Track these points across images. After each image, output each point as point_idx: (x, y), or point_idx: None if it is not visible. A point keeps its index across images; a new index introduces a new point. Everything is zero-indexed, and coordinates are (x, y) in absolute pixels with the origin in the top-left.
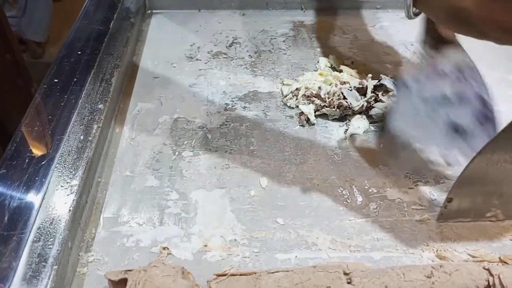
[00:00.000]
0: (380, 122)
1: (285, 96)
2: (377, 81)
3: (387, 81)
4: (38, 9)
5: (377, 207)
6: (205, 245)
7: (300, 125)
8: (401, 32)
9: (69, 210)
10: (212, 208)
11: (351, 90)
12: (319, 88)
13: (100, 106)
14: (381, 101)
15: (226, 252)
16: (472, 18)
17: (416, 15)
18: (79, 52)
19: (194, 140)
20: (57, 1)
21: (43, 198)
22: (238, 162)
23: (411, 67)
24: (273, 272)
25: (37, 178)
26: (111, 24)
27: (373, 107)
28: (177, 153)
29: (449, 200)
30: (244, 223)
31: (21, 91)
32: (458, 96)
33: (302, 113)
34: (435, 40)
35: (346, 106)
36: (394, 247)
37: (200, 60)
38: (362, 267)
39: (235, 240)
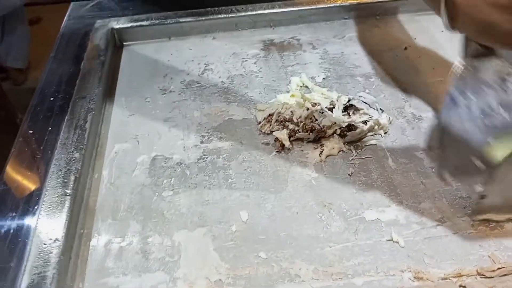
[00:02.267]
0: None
1: (259, 123)
2: (346, 101)
3: (355, 101)
4: (16, 35)
5: (356, 229)
6: None
7: (276, 151)
8: (370, 40)
9: (54, 270)
10: (196, 249)
11: (322, 112)
12: (292, 112)
13: (76, 155)
14: (354, 128)
15: None
16: (501, 32)
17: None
18: (51, 98)
19: (173, 178)
20: (34, 24)
21: (26, 261)
22: (217, 197)
23: (455, 79)
24: None
25: (18, 239)
26: (82, 64)
27: (347, 135)
28: (157, 193)
29: (482, 197)
30: (228, 261)
31: (5, 123)
32: (504, 105)
33: (277, 139)
34: (477, 51)
35: (319, 130)
36: (375, 270)
37: (173, 91)
38: None
39: (220, 280)
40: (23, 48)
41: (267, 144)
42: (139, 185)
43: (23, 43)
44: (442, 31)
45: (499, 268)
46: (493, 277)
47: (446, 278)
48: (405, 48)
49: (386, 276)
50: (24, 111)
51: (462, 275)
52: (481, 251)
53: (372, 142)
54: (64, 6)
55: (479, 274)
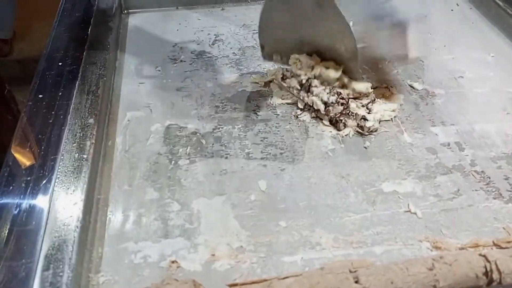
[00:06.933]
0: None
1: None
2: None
3: None
4: (0, 5)
5: (374, 201)
6: (213, 255)
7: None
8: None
9: (75, 233)
10: (215, 216)
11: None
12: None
13: (91, 120)
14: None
15: (234, 259)
16: None
17: None
18: (60, 63)
19: (189, 147)
20: None
21: (46, 223)
22: (235, 166)
23: None
24: (283, 278)
25: (36, 203)
26: (89, 30)
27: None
28: (173, 162)
29: (262, 46)
30: (248, 229)
31: None
32: None
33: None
34: None
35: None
36: (393, 240)
37: (184, 61)
38: (366, 263)
39: (241, 246)
40: (7, 18)
41: (283, 116)
42: (155, 153)
43: (7, 13)
44: (452, 10)
45: None
46: (508, 248)
47: (463, 248)
48: None
49: (405, 245)
50: (10, 83)
51: (478, 246)
52: (496, 223)
53: (387, 117)
54: None
55: (495, 245)
